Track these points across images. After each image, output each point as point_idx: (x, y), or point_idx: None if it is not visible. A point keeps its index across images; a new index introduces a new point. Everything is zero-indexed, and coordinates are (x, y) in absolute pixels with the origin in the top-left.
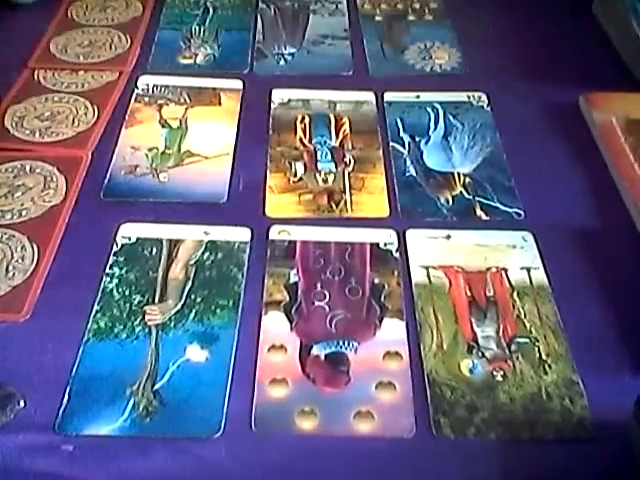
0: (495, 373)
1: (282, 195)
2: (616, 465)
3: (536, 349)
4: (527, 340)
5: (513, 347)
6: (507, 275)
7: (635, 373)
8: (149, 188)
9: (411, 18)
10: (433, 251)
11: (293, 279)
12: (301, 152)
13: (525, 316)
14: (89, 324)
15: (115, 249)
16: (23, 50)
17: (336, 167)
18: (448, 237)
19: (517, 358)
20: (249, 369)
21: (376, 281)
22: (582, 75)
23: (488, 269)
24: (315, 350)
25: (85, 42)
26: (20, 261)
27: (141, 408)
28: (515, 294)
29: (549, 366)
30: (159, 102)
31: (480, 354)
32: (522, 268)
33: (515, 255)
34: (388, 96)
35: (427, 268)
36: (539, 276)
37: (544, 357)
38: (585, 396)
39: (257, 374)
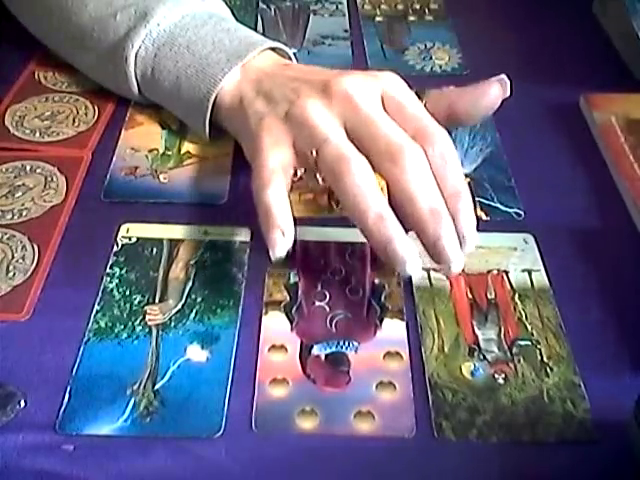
0: (497, 376)
1: None
2: (617, 466)
3: (537, 351)
4: (529, 342)
5: (514, 350)
6: (508, 277)
7: (637, 374)
8: (149, 189)
9: (411, 19)
10: None
11: (293, 279)
12: None
13: (526, 318)
14: (89, 324)
15: (115, 249)
16: (24, 48)
17: None
18: None
19: (519, 361)
20: (249, 369)
21: (376, 281)
22: (582, 75)
23: (489, 271)
24: (315, 350)
25: None
26: (20, 261)
27: (141, 408)
28: (516, 296)
29: (550, 368)
30: None
31: (481, 357)
32: (523, 270)
33: (516, 257)
34: None
35: (428, 270)
36: (540, 278)
37: (545, 359)
38: (587, 398)
39: (257, 374)
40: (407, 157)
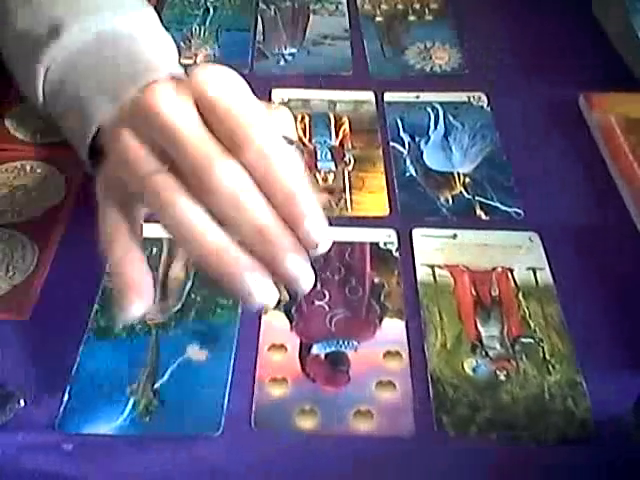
0: (498, 373)
1: None
2: (617, 466)
3: (540, 349)
4: (531, 340)
5: (517, 347)
6: (512, 275)
7: (639, 373)
8: None
9: (411, 18)
10: (439, 250)
11: None
12: (301, 151)
13: (530, 316)
14: (89, 323)
15: None
16: None
17: (336, 166)
18: (454, 236)
19: (521, 358)
20: (249, 368)
21: (376, 280)
22: (582, 75)
23: (494, 269)
24: (315, 349)
25: None
26: (20, 261)
27: (141, 407)
28: (520, 294)
29: (553, 366)
30: None
31: (484, 353)
32: (528, 268)
33: (521, 255)
34: (388, 96)
35: (432, 267)
36: (544, 276)
37: (548, 357)
38: (588, 397)
39: (257, 373)
40: (215, 176)
